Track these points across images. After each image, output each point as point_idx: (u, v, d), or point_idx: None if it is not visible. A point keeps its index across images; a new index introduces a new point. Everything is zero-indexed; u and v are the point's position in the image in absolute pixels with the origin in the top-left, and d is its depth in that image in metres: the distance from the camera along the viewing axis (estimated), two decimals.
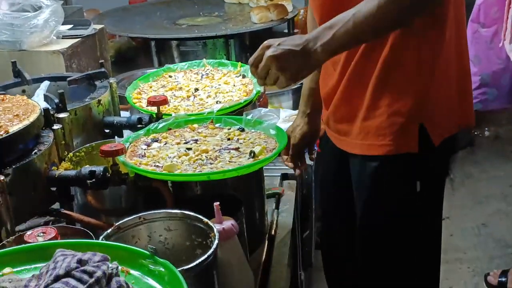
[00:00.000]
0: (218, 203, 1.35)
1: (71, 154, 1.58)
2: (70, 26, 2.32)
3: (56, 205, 1.53)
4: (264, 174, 1.69)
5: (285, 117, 2.16)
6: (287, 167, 2.00)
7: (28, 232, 1.17)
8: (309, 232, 2.35)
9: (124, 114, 1.97)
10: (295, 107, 2.33)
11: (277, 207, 1.86)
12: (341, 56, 1.55)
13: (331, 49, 1.43)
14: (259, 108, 1.75)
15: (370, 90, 1.55)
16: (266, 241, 1.67)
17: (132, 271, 1.03)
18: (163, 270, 1.03)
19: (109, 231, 1.28)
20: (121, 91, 2.07)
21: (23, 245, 1.10)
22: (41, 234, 1.15)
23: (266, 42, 1.46)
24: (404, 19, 1.45)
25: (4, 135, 1.36)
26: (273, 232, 1.73)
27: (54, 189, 1.47)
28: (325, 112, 1.72)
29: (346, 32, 1.41)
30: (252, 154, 1.50)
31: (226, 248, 1.36)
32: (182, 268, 1.12)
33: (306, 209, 2.31)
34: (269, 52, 1.43)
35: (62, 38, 2.24)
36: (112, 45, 3.15)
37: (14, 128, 1.39)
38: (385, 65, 1.52)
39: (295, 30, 3.33)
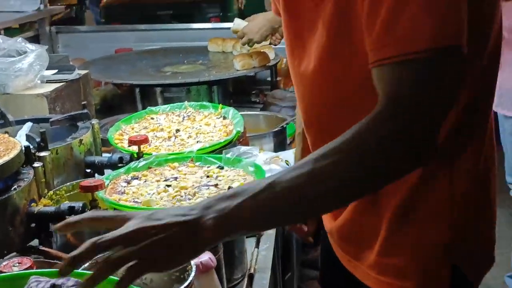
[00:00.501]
0: None
1: (51, 192, 1.59)
2: (55, 71, 2.36)
3: (35, 242, 1.54)
4: None
5: (265, 159, 2.18)
6: None
7: (4, 263, 1.17)
8: (291, 274, 2.34)
9: (107, 156, 1.99)
10: (276, 149, 2.36)
11: (257, 246, 1.87)
12: None
13: (228, 225, 0.95)
14: (238, 147, 1.77)
15: (388, 221, 1.23)
16: (246, 279, 1.67)
17: None
18: None
19: (86, 265, 1.28)
20: (104, 134, 2.09)
21: None
22: (17, 264, 1.15)
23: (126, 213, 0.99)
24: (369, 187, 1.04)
25: None
26: (252, 270, 1.73)
27: (33, 225, 1.48)
28: (326, 219, 1.42)
29: (253, 205, 0.96)
30: None
31: (203, 282, 1.36)
32: None
33: (287, 250, 2.30)
34: (134, 223, 0.93)
35: (46, 82, 2.27)
36: (98, 93, 3.19)
37: None
38: (408, 195, 1.20)
39: (278, 78, 3.40)
